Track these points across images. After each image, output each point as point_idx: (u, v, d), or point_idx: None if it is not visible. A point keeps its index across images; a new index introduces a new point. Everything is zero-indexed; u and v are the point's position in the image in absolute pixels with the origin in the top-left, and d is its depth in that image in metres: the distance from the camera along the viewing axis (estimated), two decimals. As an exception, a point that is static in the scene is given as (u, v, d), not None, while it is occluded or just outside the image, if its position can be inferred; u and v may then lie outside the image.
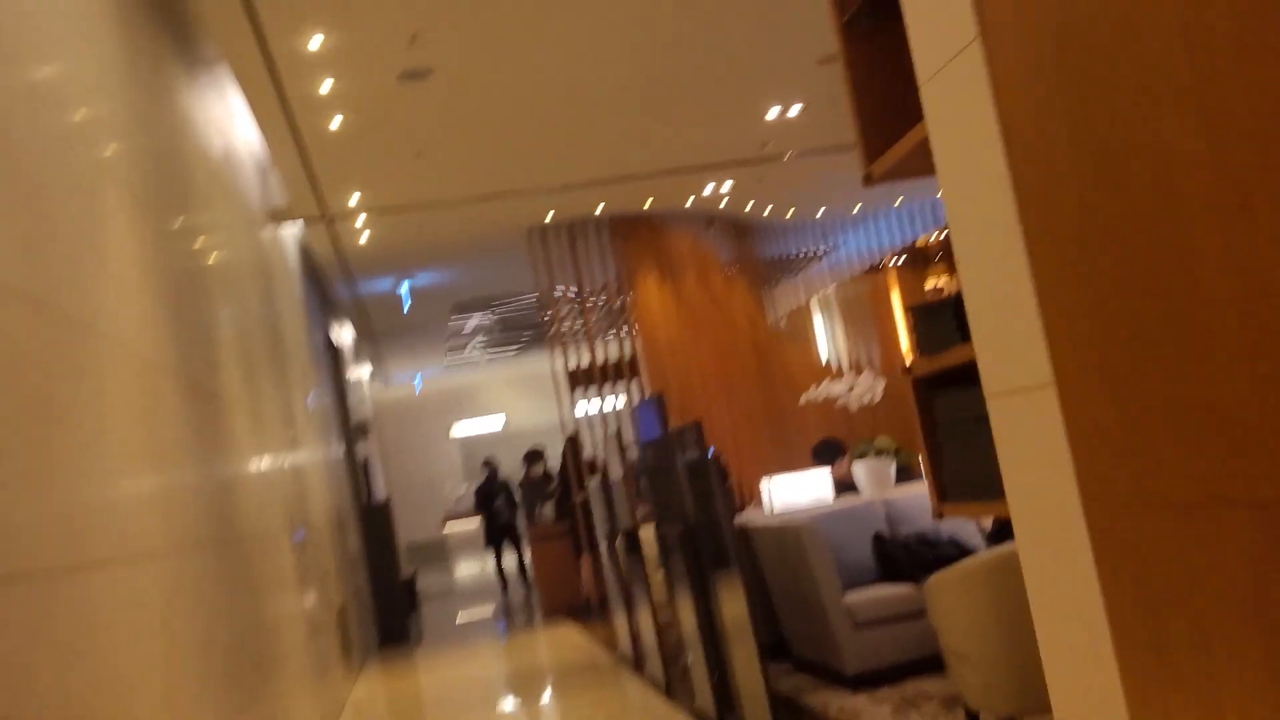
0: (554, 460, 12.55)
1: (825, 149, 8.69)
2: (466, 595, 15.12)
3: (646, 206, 9.92)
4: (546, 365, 10.66)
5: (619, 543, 7.07)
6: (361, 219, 8.59)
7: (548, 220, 9.75)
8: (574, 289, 10.02)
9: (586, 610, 10.19)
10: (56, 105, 2.70)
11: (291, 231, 8.42)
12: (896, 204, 11.69)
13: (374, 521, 11.01)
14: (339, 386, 11.22)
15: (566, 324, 10.29)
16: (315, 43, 5.46)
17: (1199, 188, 1.29)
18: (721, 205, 10.33)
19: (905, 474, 6.39)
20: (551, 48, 6.16)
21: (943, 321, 2.09)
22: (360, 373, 15.25)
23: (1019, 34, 1.58)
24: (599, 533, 8.27)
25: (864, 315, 12.90)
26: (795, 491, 6.19)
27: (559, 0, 5.59)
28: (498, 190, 8.47)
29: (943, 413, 2.18)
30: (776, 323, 11.84)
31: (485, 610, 12.83)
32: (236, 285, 5.26)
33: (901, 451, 6.34)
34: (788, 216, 11.27)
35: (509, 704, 7.39)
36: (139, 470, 2.87)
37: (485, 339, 16.36)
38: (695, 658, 5.26)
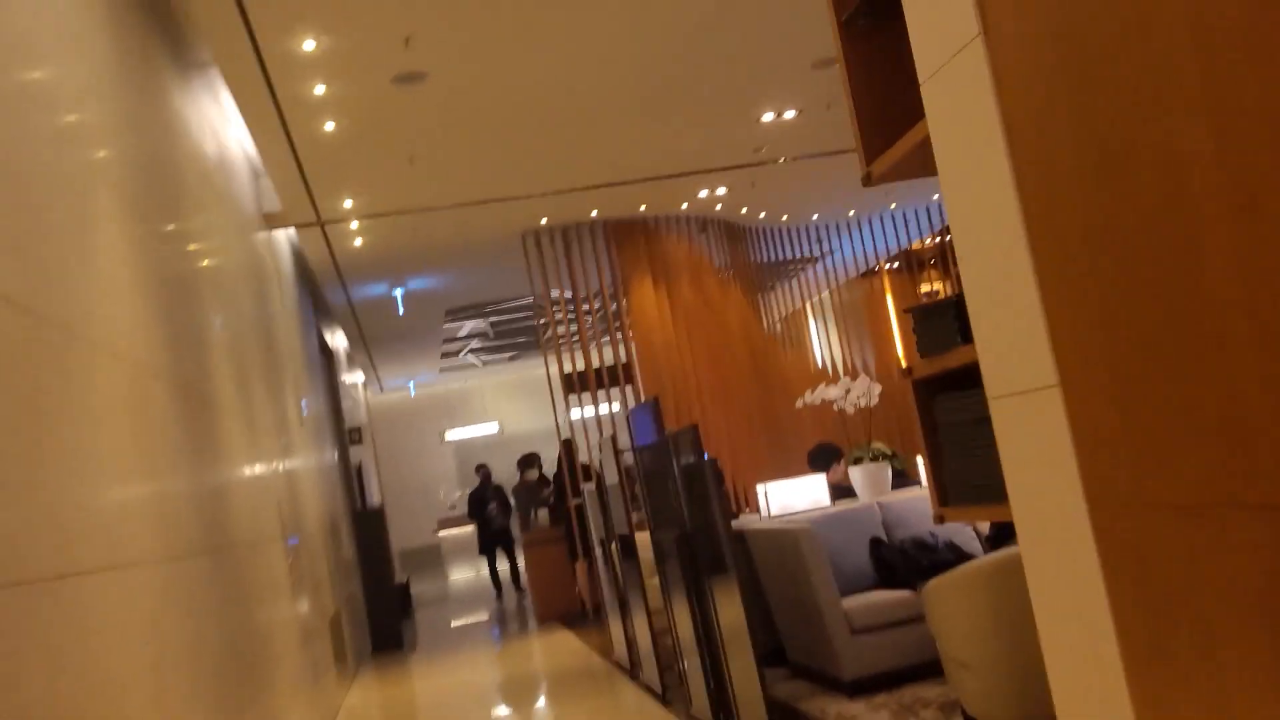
0: (550, 465, 12.52)
1: (819, 153, 8.68)
2: (461, 601, 15.07)
3: (641, 211, 9.90)
4: (541, 370, 10.63)
5: (614, 548, 7.04)
6: (355, 223, 8.56)
7: (542, 225, 9.73)
8: (568, 293, 10.00)
9: (582, 616, 10.16)
10: (46, 107, 2.67)
11: (285, 236, 8.39)
12: (891, 208, 11.69)
13: (368, 527, 10.98)
14: (333, 392, 11.19)
15: (561, 329, 10.27)
16: (309, 45, 5.43)
17: (1206, 186, 1.27)
18: (716, 209, 10.32)
19: (901, 478, 6.37)
20: (547, 52, 6.14)
21: (944, 323, 2.07)
22: (354, 378, 15.21)
23: (1022, 30, 1.56)
24: (594, 538, 8.24)
25: (858, 320, 12.90)
26: (791, 496, 6.17)
27: (555, 4, 5.57)
28: (492, 195, 8.44)
29: (943, 415, 2.16)
30: (771, 327, 11.83)
31: (480, 616, 12.79)
32: (229, 290, 5.23)
33: (897, 456, 6.32)
34: (782, 221, 11.26)
35: (503, 711, 7.35)
36: (129, 475, 2.85)
37: (479, 344, 16.33)
38: (691, 664, 5.24)
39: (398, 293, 11.09)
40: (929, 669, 4.85)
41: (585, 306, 10.05)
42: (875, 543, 5.45)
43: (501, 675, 8.68)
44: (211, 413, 4.17)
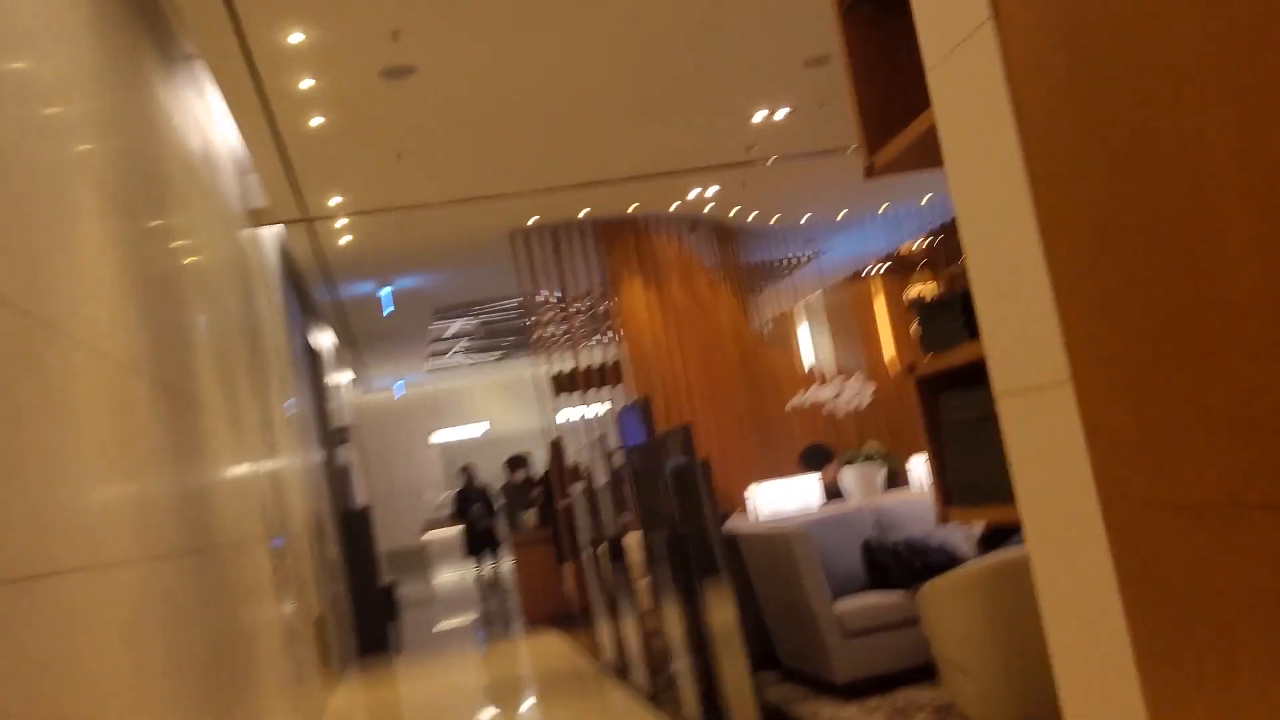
0: (540, 466, 12.45)
1: (811, 153, 8.64)
2: (447, 603, 15.00)
3: (631, 210, 9.85)
4: (529, 370, 10.58)
5: (603, 549, 6.98)
6: (342, 220, 8.48)
7: (531, 223, 9.67)
8: (558, 293, 9.94)
9: (570, 618, 10.09)
10: (26, 99, 2.61)
11: (271, 233, 8.31)
12: (881, 210, 11.66)
13: (353, 529, 10.90)
14: (318, 392, 11.11)
15: (550, 329, 10.21)
16: (295, 38, 5.36)
17: (1226, 173, 1.23)
18: (706, 209, 10.28)
19: (893, 480, 6.34)
20: (537, 48, 6.08)
21: (949, 318, 2.02)
22: (340, 378, 15.13)
23: (1033, 14, 1.51)
24: (583, 539, 8.19)
25: (848, 322, 12.89)
26: (783, 498, 6.13)
27: (545, 1, 5.52)
28: (481, 192, 8.38)
29: (947, 414, 2.11)
30: (761, 328, 11.79)
31: (466, 618, 12.72)
32: (214, 287, 5.16)
33: (889, 457, 6.28)
34: (772, 222, 11.22)
35: (490, 714, 7.29)
36: (110, 474, 2.79)
37: (467, 344, 16.25)
38: (682, 667, 5.18)
39: (385, 292, 11.02)
40: (923, 672, 4.81)
41: (574, 306, 9.99)
42: (868, 545, 5.41)
43: (488, 678, 8.62)
44: (195, 412, 4.10)
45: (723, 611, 4.45)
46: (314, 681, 6.66)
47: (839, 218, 11.46)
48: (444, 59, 6.00)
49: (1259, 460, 1.24)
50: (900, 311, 13.13)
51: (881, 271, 13.34)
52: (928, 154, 1.98)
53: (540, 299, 9.91)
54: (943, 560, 5.10)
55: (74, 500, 2.44)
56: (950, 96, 1.77)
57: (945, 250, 12.45)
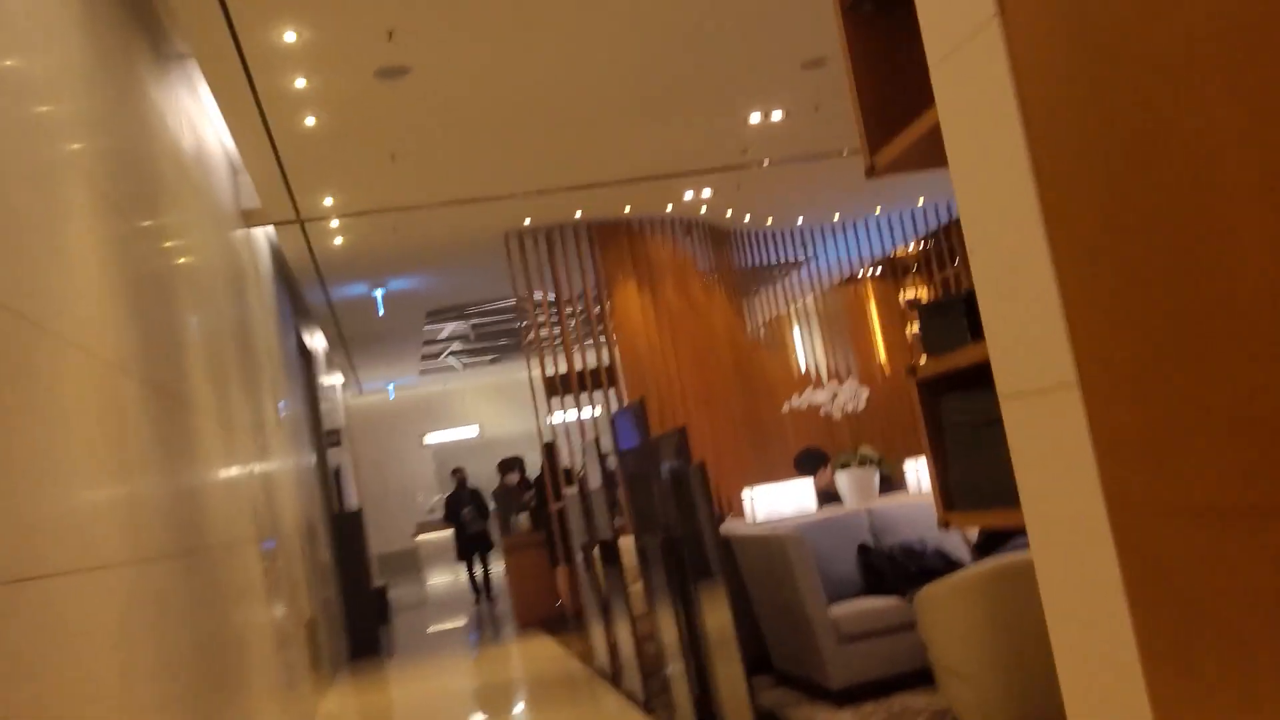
0: (534, 469, 12.42)
1: (806, 156, 8.63)
2: (439, 606, 14.94)
3: (625, 212, 9.82)
4: (523, 373, 10.55)
5: (596, 553, 6.95)
6: (335, 221, 8.44)
7: (525, 225, 9.63)
8: (551, 295, 9.91)
9: (562, 622, 10.05)
10: (16, 97, 2.58)
11: (263, 234, 8.27)
12: (875, 213, 11.65)
13: (345, 531, 10.86)
14: (311, 393, 11.07)
15: (544, 331, 10.17)
16: (289, 37, 5.33)
17: (1234, 173, 1.20)
18: (701, 212, 10.25)
19: (888, 484, 6.32)
20: (532, 49, 6.05)
21: (952, 319, 1.99)
22: (333, 380, 15.08)
23: (1040, 10, 1.49)
24: (576, 542, 8.15)
25: (841, 325, 12.87)
26: (778, 501, 6.10)
27: (541, 1, 5.49)
28: (475, 194, 8.35)
29: (949, 416, 2.08)
30: (755, 331, 11.77)
31: (458, 622, 12.67)
32: (206, 288, 5.12)
33: (884, 461, 6.27)
34: (767, 225, 11.21)
35: (481, 718, 7.25)
36: (99, 475, 2.76)
37: (460, 346, 16.21)
38: (676, 671, 5.15)
39: (378, 293, 10.97)
40: (918, 677, 4.79)
41: (568, 309, 9.96)
42: (863, 549, 5.39)
43: (480, 682, 8.58)
44: (185, 413, 4.06)
45: (717, 616, 4.42)
46: (305, 685, 6.62)
47: (833, 220, 11.45)
48: (438, 59, 5.97)
49: (1272, 462, 1.22)
50: (893, 315, 13.12)
51: (875, 275, 13.33)
52: (929, 153, 1.96)
53: (534, 301, 9.87)
54: (939, 565, 5.08)
55: (63, 501, 2.41)
56: (954, 94, 1.74)
57: (938, 254, 12.45)
